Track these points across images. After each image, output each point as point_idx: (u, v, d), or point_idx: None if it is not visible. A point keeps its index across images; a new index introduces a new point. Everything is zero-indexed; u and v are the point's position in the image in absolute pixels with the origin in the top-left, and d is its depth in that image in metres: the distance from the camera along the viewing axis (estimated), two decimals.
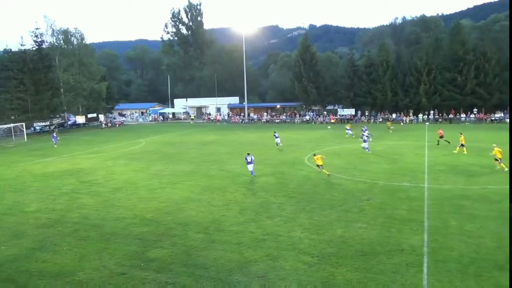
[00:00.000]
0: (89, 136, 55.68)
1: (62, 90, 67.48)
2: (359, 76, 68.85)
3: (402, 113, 65.46)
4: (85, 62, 71.56)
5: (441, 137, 35.12)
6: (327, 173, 23.85)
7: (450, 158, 28.55)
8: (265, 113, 76.21)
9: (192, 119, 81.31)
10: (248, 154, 25.17)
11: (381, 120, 64.62)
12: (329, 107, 75.15)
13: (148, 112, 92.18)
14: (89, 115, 72.96)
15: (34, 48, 63.30)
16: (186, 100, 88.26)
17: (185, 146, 40.90)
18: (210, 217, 16.93)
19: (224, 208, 18.25)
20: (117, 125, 74.99)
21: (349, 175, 24.11)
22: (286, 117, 73.41)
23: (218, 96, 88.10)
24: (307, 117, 70.32)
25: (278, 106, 78.43)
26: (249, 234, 14.77)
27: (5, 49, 63.80)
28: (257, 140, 43.79)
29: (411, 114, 65.41)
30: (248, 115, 77.77)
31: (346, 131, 44.58)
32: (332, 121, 65.15)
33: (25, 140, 52.17)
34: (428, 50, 64.68)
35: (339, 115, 68.61)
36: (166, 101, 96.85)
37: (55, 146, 43.80)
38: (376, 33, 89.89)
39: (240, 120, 75.87)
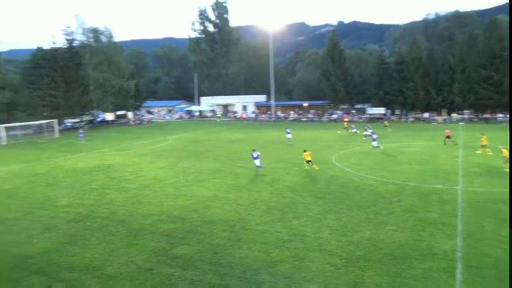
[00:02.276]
0: (118, 133, 57.03)
1: (91, 88, 69.25)
2: (390, 74, 67.51)
3: (435, 112, 63.76)
4: (114, 60, 73.05)
5: (448, 137, 35.76)
6: (316, 168, 25.64)
7: (485, 160, 27.58)
8: (292, 112, 75.99)
9: (218, 117, 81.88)
10: (254, 150, 26.88)
11: (412, 119, 63.20)
12: (357, 106, 74.05)
13: (175, 109, 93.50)
14: (118, 113, 74.53)
15: (65, 46, 65.28)
16: (213, 98, 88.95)
17: (211, 144, 41.29)
18: (236, 216, 17.01)
19: (250, 207, 18.30)
20: (145, 122, 76.46)
21: (378, 176, 23.70)
22: (314, 115, 72.92)
23: (244, 94, 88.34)
24: (335, 116, 69.55)
25: (305, 105, 77.99)
26: (276, 234, 14.76)
27: (38, 48, 66.15)
28: (284, 138, 43.63)
29: (444, 113, 63.60)
30: (275, 113, 77.71)
31: (352, 129, 47.23)
32: (346, 120, 58.23)
33: (57, 136, 54.00)
34: (462, 47, 62.69)
35: (369, 114, 67.48)
36: (193, 98, 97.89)
37: (81, 142, 45.26)
38: (407, 29, 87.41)
39: (267, 119, 75.93)
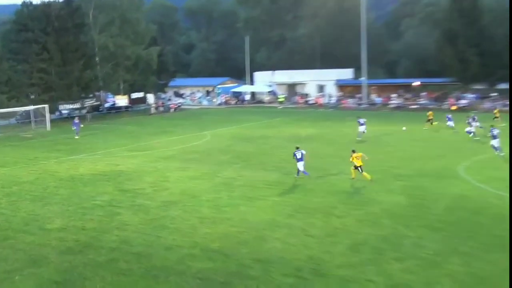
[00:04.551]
0: (133, 126, 59.06)
1: (97, 59, 71.81)
2: None
3: None
4: (130, 18, 74.94)
5: None
6: (369, 177, 26.08)
7: None
8: (395, 95, 74.50)
9: (280, 102, 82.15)
10: (298, 148, 27.91)
11: None
12: (501, 86, 70.97)
13: (216, 90, 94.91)
14: (134, 95, 76.68)
15: (61, 0, 68.00)
16: (273, 73, 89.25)
17: (269, 143, 41.58)
18: (305, 253, 16.93)
19: (327, 240, 18.15)
20: (172, 109, 78.44)
21: None
22: (429, 100, 71.03)
23: (321, 68, 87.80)
24: (464, 101, 67.25)
25: (416, 83, 76.09)
26: (366, 284, 14.52)
27: (24, 2, 69.38)
28: (382, 136, 42.88)
29: None
30: (368, 96, 76.59)
31: (448, 122, 46.81)
32: (453, 108, 61.02)
33: (48, 128, 56.93)
34: None
35: None
36: (243, 74, 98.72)
37: (77, 137, 47.46)
38: None
39: (355, 105, 75.17)
